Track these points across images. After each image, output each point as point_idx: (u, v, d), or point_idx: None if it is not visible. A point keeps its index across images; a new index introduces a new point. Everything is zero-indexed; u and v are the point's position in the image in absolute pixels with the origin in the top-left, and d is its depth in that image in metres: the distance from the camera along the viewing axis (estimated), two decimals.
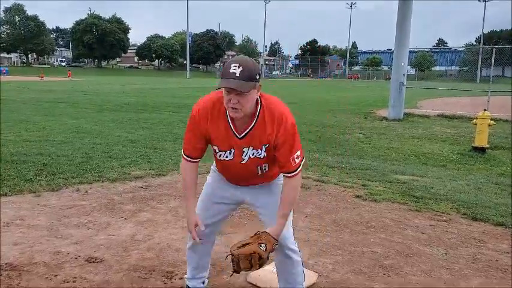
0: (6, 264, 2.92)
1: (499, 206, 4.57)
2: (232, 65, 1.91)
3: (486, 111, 8.40)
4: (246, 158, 2.14)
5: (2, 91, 21.00)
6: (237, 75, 1.89)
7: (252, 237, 2.14)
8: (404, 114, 14.00)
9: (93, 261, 3.02)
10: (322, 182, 5.44)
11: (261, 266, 2.10)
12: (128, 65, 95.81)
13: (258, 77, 1.95)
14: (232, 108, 1.96)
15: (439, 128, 11.72)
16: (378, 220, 4.11)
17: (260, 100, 2.05)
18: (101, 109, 13.94)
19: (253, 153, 2.13)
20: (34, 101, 16.32)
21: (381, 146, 8.69)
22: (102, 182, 5.07)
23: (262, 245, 2.08)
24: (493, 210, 4.43)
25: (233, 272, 2.14)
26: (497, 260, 3.29)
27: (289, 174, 2.13)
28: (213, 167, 2.40)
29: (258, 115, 2.05)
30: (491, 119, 8.25)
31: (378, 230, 3.87)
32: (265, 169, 2.20)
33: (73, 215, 3.94)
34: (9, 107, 13.45)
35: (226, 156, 2.17)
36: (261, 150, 2.11)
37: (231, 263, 2.11)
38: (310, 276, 2.87)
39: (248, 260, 2.07)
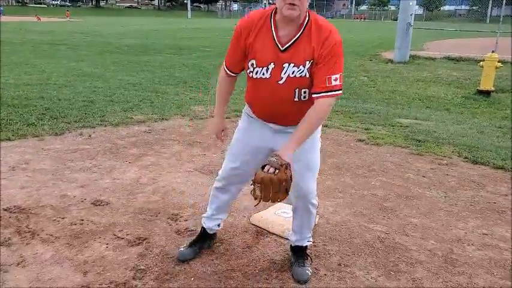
0: (14, 206, 2.99)
1: (500, 150, 4.59)
2: None
3: (494, 53, 8.18)
4: (285, 77, 1.97)
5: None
6: None
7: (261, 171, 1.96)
8: (410, 56, 13.68)
9: (99, 204, 3.09)
10: (325, 126, 5.43)
11: (264, 184, 1.91)
12: (127, 4, 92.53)
13: None
14: (291, 4, 1.86)
15: (445, 70, 11.51)
16: (379, 164, 4.14)
17: (308, 13, 1.98)
18: (101, 51, 13.67)
19: (293, 72, 1.95)
20: (33, 43, 15.99)
21: (385, 90, 8.58)
22: (105, 126, 5.08)
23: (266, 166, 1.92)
24: (494, 153, 4.45)
25: (255, 198, 1.97)
26: (495, 202, 3.36)
27: (321, 94, 1.93)
28: (245, 110, 2.28)
29: (305, 26, 1.96)
30: (499, 61, 8.05)
31: (379, 173, 3.91)
32: (304, 96, 2.01)
33: (77, 159, 3.98)
34: (7, 49, 13.19)
35: (263, 74, 2.00)
36: (304, 67, 1.95)
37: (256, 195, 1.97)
38: None
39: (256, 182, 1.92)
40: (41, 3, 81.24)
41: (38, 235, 2.66)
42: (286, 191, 1.95)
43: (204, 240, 2.57)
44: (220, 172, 2.43)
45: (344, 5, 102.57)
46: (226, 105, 2.36)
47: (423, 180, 3.77)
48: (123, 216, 2.93)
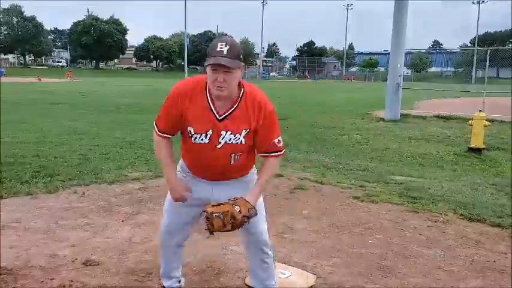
0: (1, 268, 2.89)
1: (495, 207, 4.58)
2: (219, 44, 1.96)
3: (481, 112, 8.44)
4: (223, 142, 2.11)
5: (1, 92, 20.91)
6: (225, 53, 1.94)
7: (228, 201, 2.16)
8: (401, 115, 14.03)
9: (90, 264, 3.00)
10: (320, 183, 5.44)
11: (233, 227, 2.10)
12: (126, 66, 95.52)
13: (242, 57, 2.02)
14: (218, 86, 1.99)
15: (436, 128, 11.75)
16: (375, 221, 4.11)
17: (242, 85, 2.10)
18: (99, 110, 13.89)
19: (230, 139, 2.11)
20: (31, 102, 16.26)
21: (378, 147, 8.70)
22: (100, 183, 5.05)
23: (236, 206, 2.10)
24: (490, 210, 4.43)
25: (209, 233, 2.14)
26: (494, 261, 3.30)
27: (268, 154, 2.19)
28: (180, 164, 2.35)
29: (240, 99, 2.08)
30: (487, 120, 8.29)
31: (375, 231, 3.87)
32: (238, 159, 2.19)
33: (70, 217, 3.92)
34: (6, 109, 13.37)
35: (202, 139, 2.12)
36: (240, 135, 2.10)
37: (206, 223, 2.11)
38: (309, 278, 2.87)
39: (221, 219, 2.07)
40: (42, 65, 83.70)
41: None
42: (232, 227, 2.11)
43: None
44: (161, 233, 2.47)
45: (335, 66, 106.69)
46: (174, 165, 2.32)
47: (420, 238, 3.72)
48: (114, 277, 2.84)
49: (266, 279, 2.42)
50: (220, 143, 2.11)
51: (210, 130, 2.09)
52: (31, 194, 4.52)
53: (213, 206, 2.11)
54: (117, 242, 3.42)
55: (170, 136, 2.23)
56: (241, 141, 2.11)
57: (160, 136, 2.21)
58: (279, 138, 2.18)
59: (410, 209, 4.49)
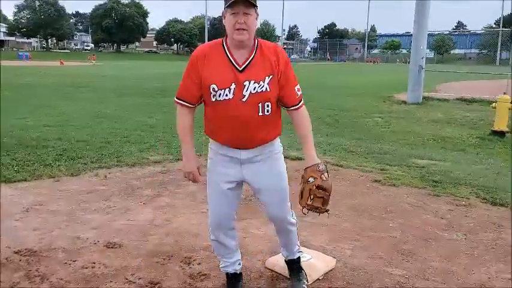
0: (25, 249, 2.97)
1: None
2: None
3: (505, 95, 8.23)
4: (247, 94, 2.07)
5: (24, 75, 21.36)
6: None
7: (300, 184, 2.23)
8: (423, 98, 13.74)
9: (112, 247, 3.06)
10: (340, 166, 5.39)
11: (329, 191, 2.15)
12: (147, 49, 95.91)
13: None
14: (239, 29, 2.02)
15: (458, 111, 11.47)
16: (396, 205, 4.06)
17: (255, 37, 2.14)
18: (120, 94, 14.04)
19: (255, 87, 2.07)
20: (55, 85, 16.54)
21: (400, 130, 8.56)
22: (121, 166, 5.13)
23: (310, 179, 2.16)
24: None
25: (326, 212, 2.21)
26: None
27: (295, 107, 2.20)
28: (210, 144, 2.36)
29: (256, 47, 2.12)
30: (511, 103, 8.07)
31: (396, 214, 3.82)
32: (267, 110, 2.12)
33: (92, 200, 4.00)
34: (30, 92, 13.67)
35: (226, 95, 2.07)
36: (263, 82, 2.08)
37: (314, 212, 2.22)
38: (329, 262, 2.86)
39: (316, 197, 2.15)
40: (64, 49, 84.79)
41: (47, 279, 2.62)
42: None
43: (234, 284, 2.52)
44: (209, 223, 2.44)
45: (356, 49, 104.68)
46: (193, 141, 2.32)
47: (442, 222, 3.67)
48: (136, 259, 2.89)
49: (289, 244, 2.53)
50: (244, 96, 2.07)
51: (233, 84, 2.06)
52: (54, 177, 4.62)
53: (300, 199, 2.20)
54: (139, 224, 3.47)
55: (189, 105, 2.19)
56: (266, 88, 2.08)
57: (179, 103, 2.20)
58: (298, 86, 2.22)
59: (432, 193, 4.41)
